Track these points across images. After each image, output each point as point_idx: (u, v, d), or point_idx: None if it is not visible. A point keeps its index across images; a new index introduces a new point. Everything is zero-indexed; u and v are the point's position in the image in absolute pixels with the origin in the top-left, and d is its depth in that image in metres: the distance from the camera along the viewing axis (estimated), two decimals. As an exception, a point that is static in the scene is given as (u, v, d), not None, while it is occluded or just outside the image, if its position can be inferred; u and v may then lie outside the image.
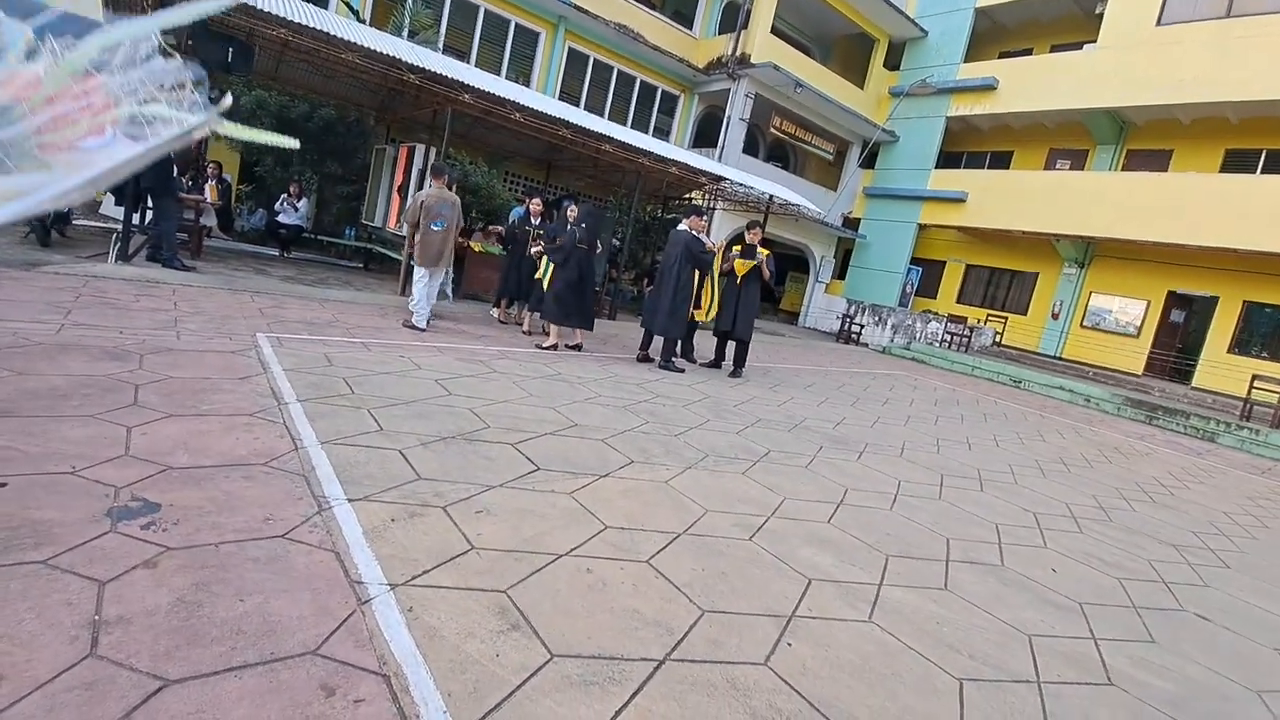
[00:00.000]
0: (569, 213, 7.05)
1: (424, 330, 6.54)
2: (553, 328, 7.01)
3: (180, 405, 3.21)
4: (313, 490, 2.60)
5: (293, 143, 1.64)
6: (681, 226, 7.24)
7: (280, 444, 2.99)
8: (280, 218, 10.77)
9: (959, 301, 19.58)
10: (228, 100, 1.46)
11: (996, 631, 2.57)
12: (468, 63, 13.45)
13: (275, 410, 3.41)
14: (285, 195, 10.80)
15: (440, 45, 12.53)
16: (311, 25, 7.15)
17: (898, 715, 1.92)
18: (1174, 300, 15.91)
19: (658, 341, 7.34)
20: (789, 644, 2.18)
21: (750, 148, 18.16)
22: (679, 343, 7.55)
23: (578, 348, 7.15)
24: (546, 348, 6.86)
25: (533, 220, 7.86)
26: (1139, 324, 16.15)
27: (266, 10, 6.76)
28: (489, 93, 8.36)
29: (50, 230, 7.13)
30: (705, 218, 8.13)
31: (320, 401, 3.67)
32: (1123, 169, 16.65)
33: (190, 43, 7.28)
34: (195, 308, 5.49)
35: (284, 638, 1.73)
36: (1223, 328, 14.91)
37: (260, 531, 2.22)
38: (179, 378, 3.61)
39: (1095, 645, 2.63)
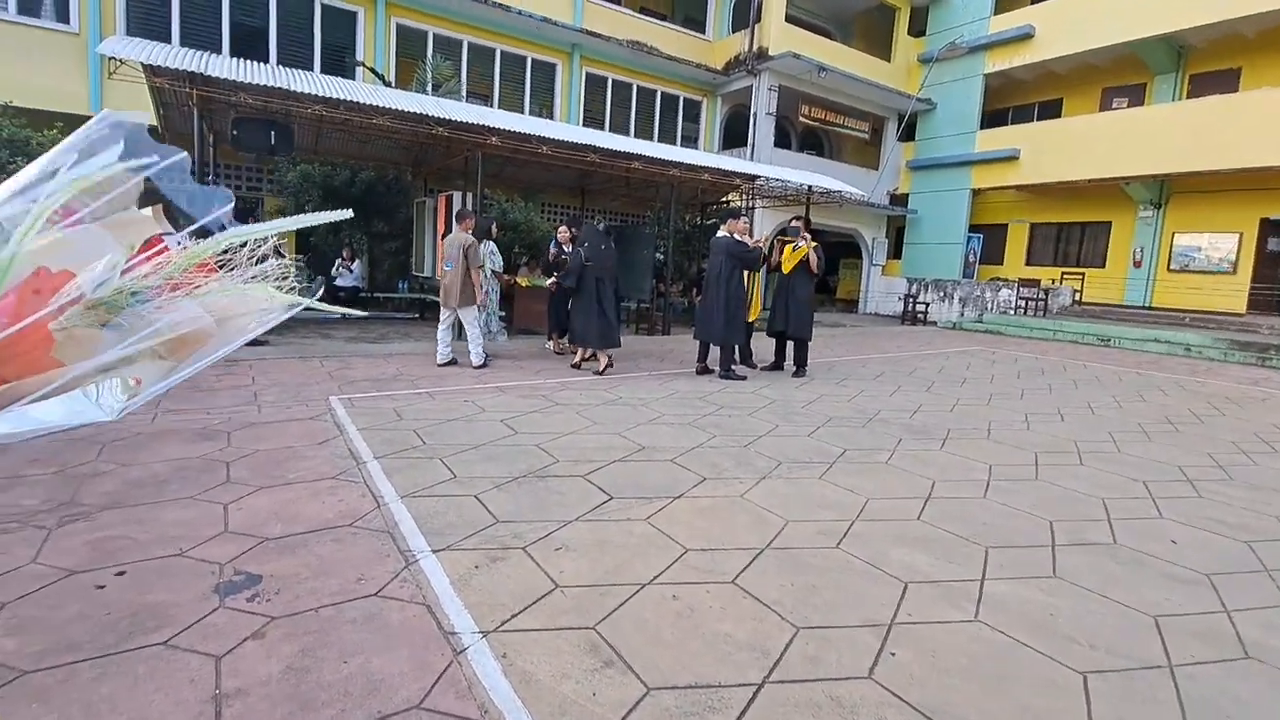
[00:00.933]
0: (559, 233, 7.45)
1: (442, 366, 6.91)
2: (579, 347, 7.26)
3: (268, 476, 3.39)
4: (398, 545, 2.68)
5: (346, 214, 1.71)
6: (721, 232, 7.17)
7: (363, 503, 3.11)
8: (337, 281, 11.34)
9: (1028, 264, 18.63)
10: (319, 288, 1.60)
11: (1117, 616, 2.39)
12: (491, 104, 13.89)
13: (355, 470, 3.56)
14: (339, 260, 11.37)
15: (464, 93, 12.98)
16: (342, 98, 7.55)
17: (1017, 717, 1.81)
18: (1270, 227, 14.63)
19: (713, 352, 7.27)
20: (892, 653, 2.09)
21: (782, 140, 17.94)
22: (736, 349, 7.43)
23: (605, 369, 6.99)
24: (576, 365, 7.21)
25: (565, 248, 7.97)
26: (1234, 259, 14.93)
27: (300, 90, 7.18)
28: (514, 131, 8.58)
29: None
30: (744, 219, 8.01)
31: (395, 456, 3.81)
32: (1187, 97, 15.53)
33: (235, 133, 7.79)
34: (271, 379, 5.81)
35: (389, 695, 1.78)
36: (1330, 249, 13.62)
37: (355, 592, 2.30)
38: (264, 450, 3.82)
39: (1229, 618, 2.41)
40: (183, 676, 1.83)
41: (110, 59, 7.60)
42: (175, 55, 6.98)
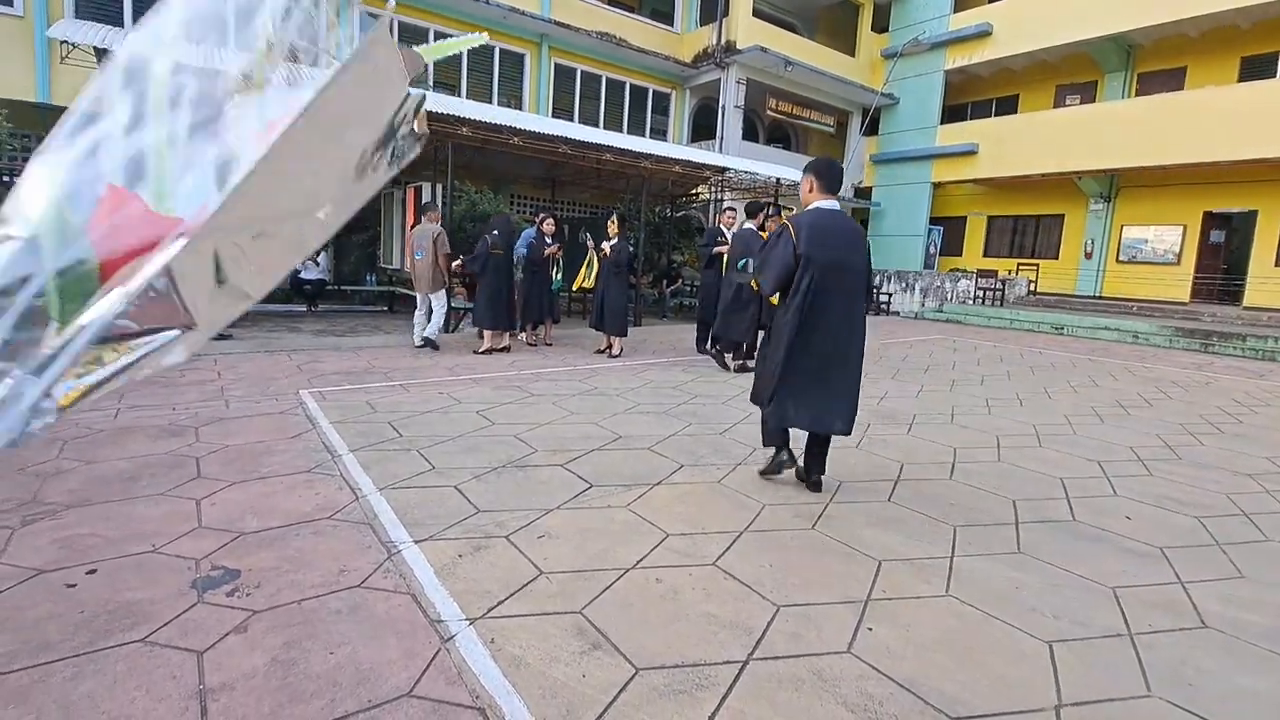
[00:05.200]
0: (545, 225, 7.88)
1: (420, 347, 7.46)
2: (486, 333, 7.44)
3: (241, 471, 3.33)
4: (379, 537, 2.67)
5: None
6: (749, 225, 6.97)
7: (341, 496, 3.07)
8: (303, 274, 11.05)
9: (986, 255, 19.16)
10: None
11: (1078, 588, 2.51)
12: (458, 95, 13.67)
13: (330, 464, 3.51)
14: (305, 252, 11.08)
15: (430, 83, 12.75)
16: (308, 85, 7.34)
17: (990, 685, 1.90)
18: (1211, 220, 15.34)
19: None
20: (869, 628, 2.16)
21: (750, 134, 18.07)
22: (711, 338, 7.47)
23: (506, 350, 7.53)
24: (481, 352, 7.32)
25: (547, 239, 7.94)
26: (1178, 250, 15.60)
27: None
28: (485, 122, 8.49)
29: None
30: (730, 212, 7.92)
31: (371, 449, 3.77)
32: (1136, 94, 16.14)
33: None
34: (238, 374, 5.67)
35: (378, 684, 1.78)
36: (1267, 241, 14.32)
37: (337, 584, 2.29)
38: (235, 445, 3.74)
39: (1184, 589, 2.55)
40: (164, 673, 1.80)
41: (62, 43, 7.26)
42: (128, 39, 6.71)
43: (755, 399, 3.59)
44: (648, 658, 1.95)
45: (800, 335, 3.30)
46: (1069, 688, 1.91)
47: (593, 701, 1.75)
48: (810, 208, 3.42)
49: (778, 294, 3.41)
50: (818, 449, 3.44)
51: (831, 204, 3.41)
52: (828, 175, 3.40)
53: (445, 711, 1.69)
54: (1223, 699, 1.90)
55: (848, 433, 3.39)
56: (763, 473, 3.62)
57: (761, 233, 6.75)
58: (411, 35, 13.43)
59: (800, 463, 3.51)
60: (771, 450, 3.54)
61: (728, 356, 7.29)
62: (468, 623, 2.09)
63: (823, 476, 3.46)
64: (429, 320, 7.57)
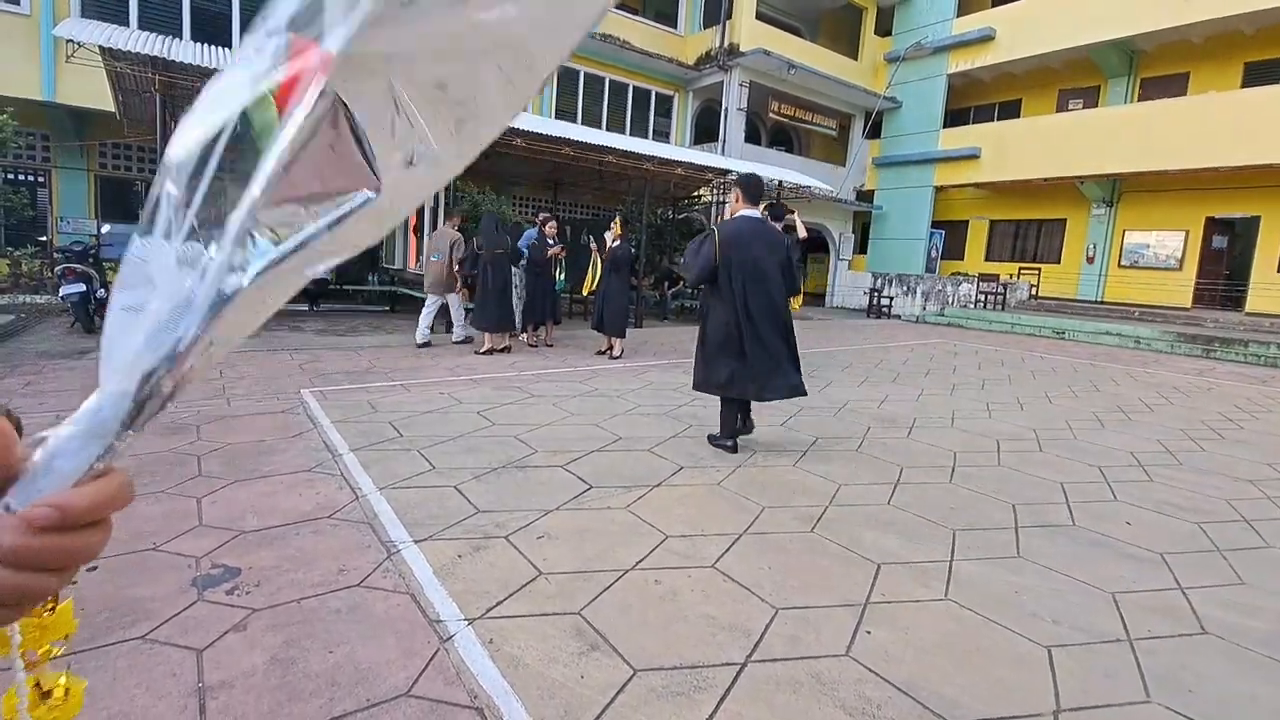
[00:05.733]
0: (547, 228, 7.96)
1: (420, 346, 7.54)
2: (486, 335, 7.47)
3: (242, 470, 3.33)
4: (379, 537, 2.67)
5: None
6: (750, 213, 6.93)
7: (341, 495, 3.08)
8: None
9: (988, 259, 19.15)
10: None
11: (1078, 593, 2.51)
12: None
13: (331, 463, 3.52)
14: (308, 252, 11.11)
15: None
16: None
17: (989, 689, 1.90)
18: (1214, 226, 15.32)
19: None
20: (868, 632, 2.16)
21: (752, 136, 18.08)
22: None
23: (507, 350, 7.58)
24: (482, 353, 7.35)
25: (550, 240, 7.95)
26: (1180, 256, 15.58)
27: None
28: (489, 123, 8.49)
29: (94, 317, 7.46)
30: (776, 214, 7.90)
31: (372, 449, 3.77)
32: (1138, 100, 16.11)
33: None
34: (239, 373, 5.68)
35: (377, 683, 1.79)
36: (1269, 247, 14.30)
37: (337, 583, 2.29)
38: (236, 443, 3.75)
39: (1183, 594, 2.55)
40: (164, 670, 1.81)
41: (67, 42, 7.29)
42: (137, 39, 6.73)
43: (697, 384, 4.25)
44: (646, 659, 1.95)
45: (724, 318, 3.98)
46: (1068, 693, 1.91)
47: (591, 702, 1.75)
48: (735, 216, 4.09)
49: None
50: (746, 409, 4.18)
51: (753, 213, 4.09)
52: (750, 190, 4.10)
53: (443, 711, 1.69)
54: (1223, 705, 1.90)
55: (801, 393, 4.08)
56: (712, 438, 4.21)
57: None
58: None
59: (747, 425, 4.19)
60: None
61: None
62: (466, 623, 2.09)
63: (751, 433, 4.24)
64: (429, 320, 7.68)
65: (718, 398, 4.16)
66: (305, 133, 0.29)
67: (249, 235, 0.30)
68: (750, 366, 3.93)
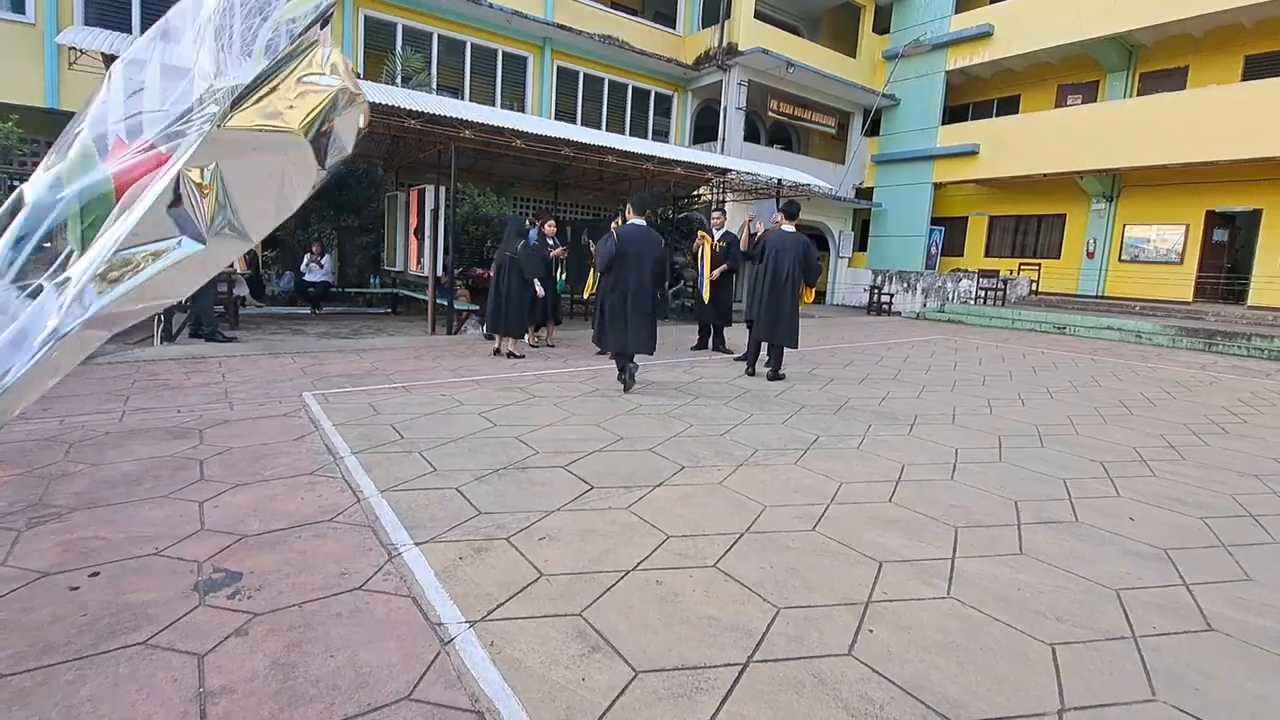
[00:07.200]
0: (546, 228, 8.14)
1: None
2: (503, 338, 7.46)
3: (244, 474, 3.33)
4: (380, 539, 2.67)
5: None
6: (787, 228, 6.75)
7: (343, 498, 3.08)
8: (307, 276, 11.09)
9: (987, 255, 19.12)
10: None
11: (1082, 590, 2.50)
12: (462, 98, 13.70)
13: (333, 466, 3.52)
14: (309, 255, 11.13)
15: (434, 86, 12.78)
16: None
17: (992, 688, 1.89)
18: (1214, 220, 15.28)
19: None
20: (870, 630, 2.16)
21: (751, 135, 18.07)
22: (713, 337, 7.83)
23: (523, 356, 7.46)
24: (508, 354, 7.37)
25: (549, 241, 7.95)
26: (1181, 249, 15.54)
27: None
28: (488, 125, 8.50)
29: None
30: (718, 212, 8.18)
31: (373, 451, 3.77)
32: (1138, 94, 16.09)
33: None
34: (242, 376, 5.69)
35: (378, 687, 1.78)
36: (1271, 240, 14.26)
37: (338, 586, 2.29)
38: (238, 447, 3.75)
39: (1189, 591, 2.54)
40: (165, 676, 1.80)
41: (70, 49, 7.31)
42: (134, 44, 6.74)
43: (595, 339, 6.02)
44: (647, 660, 1.95)
45: (615, 295, 5.66)
46: (1072, 691, 1.90)
47: (592, 705, 1.74)
48: (628, 223, 5.76)
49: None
50: (626, 360, 5.75)
51: (639, 221, 5.78)
52: (637, 205, 5.84)
53: (444, 715, 1.69)
54: (1229, 704, 1.89)
55: (649, 352, 5.85)
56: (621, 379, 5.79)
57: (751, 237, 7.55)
58: (416, 39, 13.50)
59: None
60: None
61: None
62: (468, 625, 2.09)
63: (630, 377, 5.72)
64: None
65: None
66: (156, 200, 0.37)
67: (94, 280, 0.34)
68: (626, 329, 5.63)
